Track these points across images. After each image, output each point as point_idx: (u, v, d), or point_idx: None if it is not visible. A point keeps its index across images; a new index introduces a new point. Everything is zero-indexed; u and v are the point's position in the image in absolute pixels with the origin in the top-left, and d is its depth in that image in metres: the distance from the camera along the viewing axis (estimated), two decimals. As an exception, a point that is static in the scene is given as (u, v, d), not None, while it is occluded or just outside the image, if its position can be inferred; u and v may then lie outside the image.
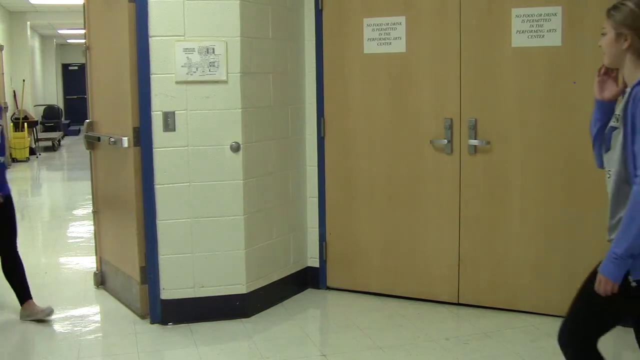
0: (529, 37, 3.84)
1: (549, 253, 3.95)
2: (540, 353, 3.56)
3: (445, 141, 4.09)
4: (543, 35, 3.81)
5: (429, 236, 4.24)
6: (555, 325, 3.86)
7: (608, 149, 2.28)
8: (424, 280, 4.28)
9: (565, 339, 2.39)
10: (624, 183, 2.19)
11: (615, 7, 2.25)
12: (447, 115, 4.08)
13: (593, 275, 2.25)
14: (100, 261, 4.74)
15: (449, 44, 4.04)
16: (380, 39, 4.23)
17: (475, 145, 4.03)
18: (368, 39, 4.27)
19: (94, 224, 4.83)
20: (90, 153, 4.75)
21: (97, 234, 4.79)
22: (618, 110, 2.25)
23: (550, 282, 3.97)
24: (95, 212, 4.81)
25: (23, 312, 4.08)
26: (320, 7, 4.39)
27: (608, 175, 2.29)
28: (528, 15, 3.83)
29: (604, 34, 2.28)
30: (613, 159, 2.24)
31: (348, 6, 4.32)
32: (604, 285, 2.15)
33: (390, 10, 4.19)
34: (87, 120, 4.69)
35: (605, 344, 3.69)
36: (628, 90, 2.20)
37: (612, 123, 2.26)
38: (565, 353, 2.40)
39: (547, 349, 3.58)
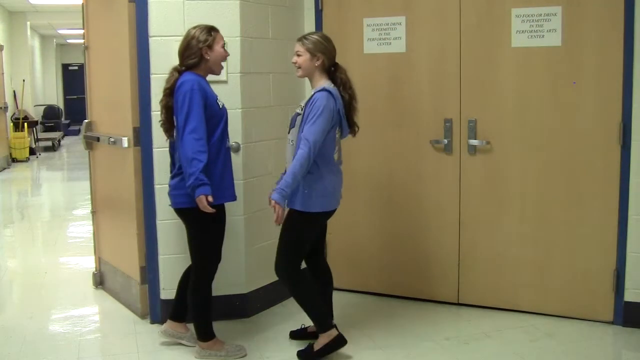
0: (529, 37, 3.84)
1: (549, 253, 3.95)
2: (540, 353, 3.56)
3: (445, 141, 4.09)
4: (543, 35, 3.81)
5: (429, 236, 4.24)
6: (555, 325, 3.90)
7: (292, 127, 3.35)
8: (424, 280, 4.28)
9: (279, 269, 3.43)
10: (298, 149, 3.20)
11: (305, 37, 3.32)
12: (447, 115, 4.08)
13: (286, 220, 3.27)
14: (99, 261, 4.74)
15: (449, 44, 4.04)
16: (380, 39, 4.23)
17: (475, 145, 4.04)
18: (368, 39, 4.27)
19: (93, 224, 4.83)
20: (89, 153, 4.75)
21: (96, 235, 4.79)
22: (302, 103, 3.36)
23: (550, 282, 3.98)
24: (93, 213, 4.80)
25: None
26: (320, 7, 4.39)
27: (291, 144, 3.34)
28: (528, 15, 3.83)
29: (299, 55, 3.30)
30: (294, 133, 3.32)
31: (348, 6, 4.32)
32: (278, 209, 3.16)
33: (390, 10, 4.19)
34: (86, 121, 4.68)
35: (605, 343, 3.71)
36: (312, 92, 3.30)
37: (297, 110, 3.37)
38: (283, 281, 3.44)
39: (547, 349, 3.58)
